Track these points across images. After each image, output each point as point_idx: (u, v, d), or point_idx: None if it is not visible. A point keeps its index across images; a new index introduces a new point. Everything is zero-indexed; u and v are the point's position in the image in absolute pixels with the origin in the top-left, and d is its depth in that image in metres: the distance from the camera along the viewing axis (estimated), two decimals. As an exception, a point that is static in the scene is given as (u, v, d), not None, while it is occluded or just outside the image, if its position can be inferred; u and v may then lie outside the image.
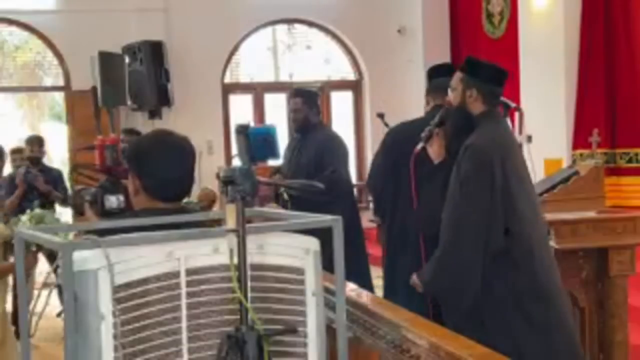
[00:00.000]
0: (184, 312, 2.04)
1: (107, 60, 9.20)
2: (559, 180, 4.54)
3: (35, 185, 7.36)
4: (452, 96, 3.54)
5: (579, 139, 6.82)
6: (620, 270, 4.12)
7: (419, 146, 3.72)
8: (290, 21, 10.77)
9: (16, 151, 8.15)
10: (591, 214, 4.29)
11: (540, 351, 3.31)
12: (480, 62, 3.67)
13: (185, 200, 2.74)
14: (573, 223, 4.10)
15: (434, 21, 10.66)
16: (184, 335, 2.04)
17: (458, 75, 3.54)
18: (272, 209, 4.40)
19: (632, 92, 7.00)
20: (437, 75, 4.19)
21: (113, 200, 4.98)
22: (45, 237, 2.23)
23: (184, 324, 2.04)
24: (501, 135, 3.51)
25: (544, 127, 6.80)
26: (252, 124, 2.24)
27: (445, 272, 3.40)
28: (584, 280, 4.11)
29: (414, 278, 3.57)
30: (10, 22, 9.72)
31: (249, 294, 2.01)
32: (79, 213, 6.06)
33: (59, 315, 6.79)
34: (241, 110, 10.49)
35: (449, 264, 3.38)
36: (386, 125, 4.96)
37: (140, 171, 2.57)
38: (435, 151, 3.68)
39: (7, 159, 7.70)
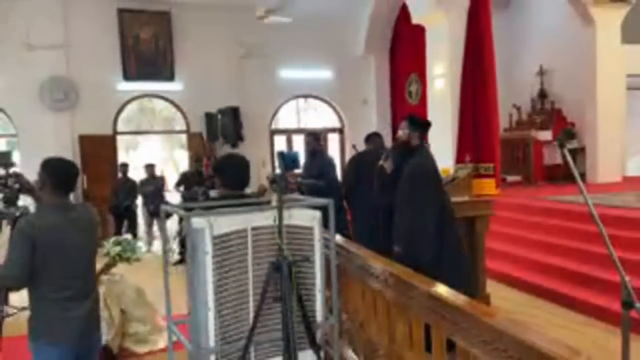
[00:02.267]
0: (250, 250, 2.04)
1: (209, 117, 9.27)
2: (449, 180, 4.53)
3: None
4: (402, 134, 3.33)
5: (460, 158, 6.76)
6: (481, 228, 4.13)
7: (380, 162, 3.61)
8: (305, 96, 10.72)
9: (149, 166, 8.03)
10: (466, 198, 4.29)
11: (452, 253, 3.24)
12: (418, 118, 3.49)
13: (250, 191, 2.73)
14: (458, 203, 4.06)
15: (381, 96, 10.65)
16: (250, 262, 2.04)
17: (405, 123, 3.34)
18: (296, 195, 4.39)
19: (486, 133, 6.92)
20: (371, 136, 4.45)
21: (213, 194, 5.02)
22: (177, 210, 2.24)
23: (249, 257, 2.04)
24: (430, 157, 3.36)
25: (441, 151, 6.74)
26: (285, 151, 2.22)
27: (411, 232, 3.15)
28: (465, 233, 4.07)
29: (395, 249, 3.16)
30: (157, 97, 9.71)
31: (284, 240, 2.02)
32: (195, 200, 6.08)
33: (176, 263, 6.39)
34: (280, 143, 10.42)
35: (415, 226, 3.15)
36: (356, 151, 4.92)
37: (218, 175, 2.61)
38: (389, 166, 3.57)
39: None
